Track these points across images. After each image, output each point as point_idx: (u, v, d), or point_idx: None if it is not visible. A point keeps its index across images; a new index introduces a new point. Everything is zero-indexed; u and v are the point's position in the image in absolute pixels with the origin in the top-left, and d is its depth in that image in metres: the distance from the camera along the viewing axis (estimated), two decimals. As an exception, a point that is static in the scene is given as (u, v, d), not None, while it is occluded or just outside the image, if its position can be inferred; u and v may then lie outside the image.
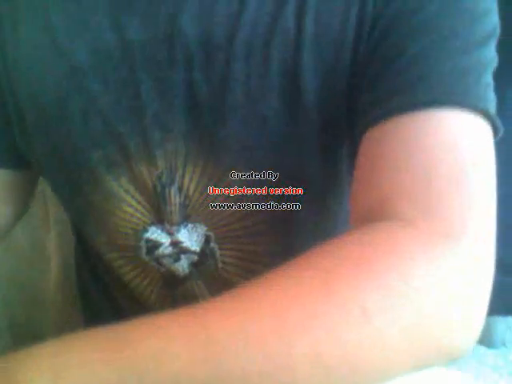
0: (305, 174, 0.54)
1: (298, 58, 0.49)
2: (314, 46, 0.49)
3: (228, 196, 0.54)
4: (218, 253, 0.58)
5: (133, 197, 0.55)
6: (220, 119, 0.51)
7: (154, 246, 0.57)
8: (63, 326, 1.02)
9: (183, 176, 0.53)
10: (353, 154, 0.48)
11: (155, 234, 0.56)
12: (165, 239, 0.56)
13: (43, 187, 0.79)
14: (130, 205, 0.56)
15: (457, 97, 0.41)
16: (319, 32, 0.49)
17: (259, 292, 0.34)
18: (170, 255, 0.58)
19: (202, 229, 0.55)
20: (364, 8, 0.48)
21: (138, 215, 0.56)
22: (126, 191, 0.55)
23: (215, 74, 0.50)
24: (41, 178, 0.68)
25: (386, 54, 0.47)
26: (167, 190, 0.54)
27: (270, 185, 0.54)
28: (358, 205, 0.41)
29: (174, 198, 0.54)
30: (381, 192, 0.38)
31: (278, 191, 0.54)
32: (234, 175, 0.53)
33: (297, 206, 0.55)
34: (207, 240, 0.56)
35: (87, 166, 0.55)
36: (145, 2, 0.52)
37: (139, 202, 0.55)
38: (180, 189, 0.54)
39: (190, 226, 0.55)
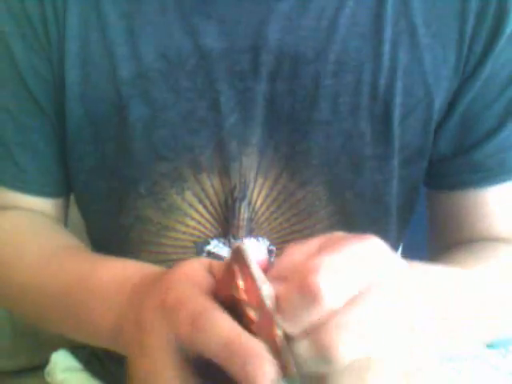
0: (376, 195, 0.53)
1: (390, 84, 0.49)
2: (406, 76, 0.49)
3: (296, 212, 0.53)
4: None
5: (196, 210, 0.53)
6: (302, 133, 0.50)
7: (214, 258, 0.56)
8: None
9: (253, 189, 0.52)
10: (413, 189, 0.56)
11: (217, 247, 0.54)
12: (226, 252, 0.54)
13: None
14: (192, 218, 0.53)
15: None
16: (411, 64, 0.50)
17: None
18: None
19: (264, 243, 0.54)
20: (464, 52, 0.50)
21: (201, 228, 0.54)
22: (190, 205, 0.53)
23: (302, 87, 0.49)
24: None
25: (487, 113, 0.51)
26: (238, 204, 0.51)
27: (342, 203, 0.53)
28: (471, 233, 0.55)
29: (244, 213, 0.52)
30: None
31: (349, 209, 0.53)
32: (308, 190, 0.51)
33: (363, 225, 0.54)
34: (269, 254, 0.54)
35: (147, 179, 0.52)
36: (222, 7, 0.48)
37: (202, 215, 0.53)
38: (249, 203, 0.52)
39: (253, 240, 0.54)
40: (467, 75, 0.51)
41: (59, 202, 0.59)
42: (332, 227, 0.53)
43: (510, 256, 0.52)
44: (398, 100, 0.50)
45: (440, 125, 0.53)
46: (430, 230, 0.60)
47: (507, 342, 1.47)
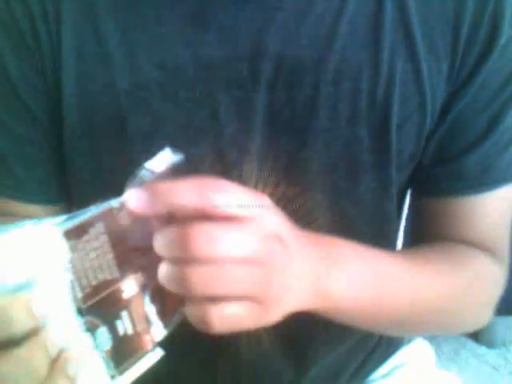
0: (375, 202, 0.53)
1: (388, 92, 0.49)
2: (403, 84, 0.49)
3: (295, 219, 0.53)
4: None
5: None
6: (301, 140, 0.50)
7: None
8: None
9: None
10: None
11: None
12: None
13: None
14: None
15: None
16: (409, 72, 0.49)
17: None
18: None
19: None
20: (456, 63, 0.49)
21: None
22: None
23: (302, 95, 0.49)
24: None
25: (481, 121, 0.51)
26: None
27: (341, 209, 0.53)
28: (457, 236, 0.56)
29: None
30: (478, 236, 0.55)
31: (349, 216, 0.53)
32: (307, 197, 0.51)
33: (363, 230, 0.54)
34: None
35: None
36: (221, 16, 0.48)
37: None
38: None
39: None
40: (459, 85, 0.51)
41: (59, 208, 0.58)
42: (331, 234, 0.53)
43: (465, 261, 0.53)
44: (396, 108, 0.50)
45: (430, 132, 0.53)
46: (410, 226, 0.61)
47: (507, 342, 1.47)
